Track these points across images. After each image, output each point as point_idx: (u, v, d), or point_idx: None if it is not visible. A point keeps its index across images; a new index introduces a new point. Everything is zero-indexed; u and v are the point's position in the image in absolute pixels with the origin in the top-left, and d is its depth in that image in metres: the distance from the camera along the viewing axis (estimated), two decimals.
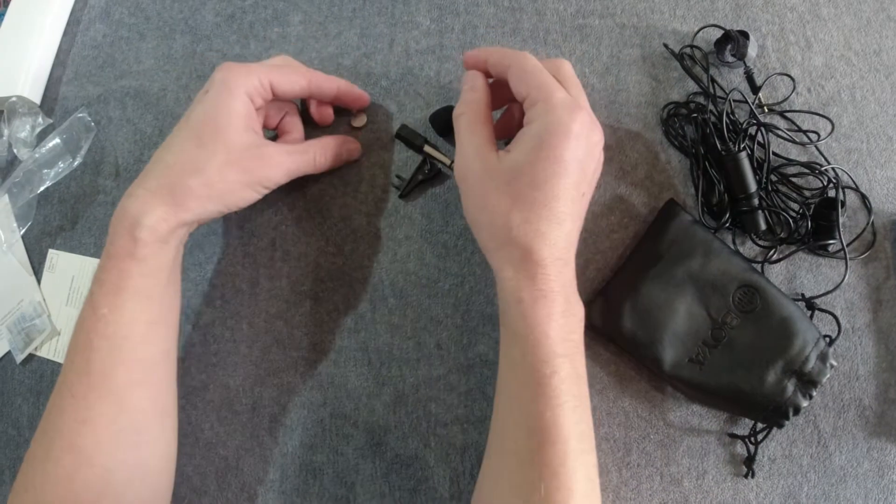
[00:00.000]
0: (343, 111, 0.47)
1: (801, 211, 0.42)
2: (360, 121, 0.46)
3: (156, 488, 0.37)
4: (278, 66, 0.40)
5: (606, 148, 0.45)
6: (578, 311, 0.34)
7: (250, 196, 0.39)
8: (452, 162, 0.43)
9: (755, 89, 0.45)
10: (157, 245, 0.36)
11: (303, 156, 0.41)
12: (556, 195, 0.32)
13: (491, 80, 0.39)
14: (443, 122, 0.45)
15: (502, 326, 0.35)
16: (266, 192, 0.40)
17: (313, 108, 0.46)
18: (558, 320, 0.32)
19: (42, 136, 0.51)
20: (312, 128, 0.46)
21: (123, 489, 0.34)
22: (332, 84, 0.42)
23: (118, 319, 0.35)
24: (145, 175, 0.37)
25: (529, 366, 0.31)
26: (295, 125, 0.45)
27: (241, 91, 0.37)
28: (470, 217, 0.35)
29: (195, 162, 0.36)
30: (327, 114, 0.46)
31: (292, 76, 0.40)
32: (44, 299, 0.47)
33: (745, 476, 0.40)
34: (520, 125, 0.39)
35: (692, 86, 0.46)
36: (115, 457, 0.34)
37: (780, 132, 0.44)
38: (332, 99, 0.44)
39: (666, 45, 0.47)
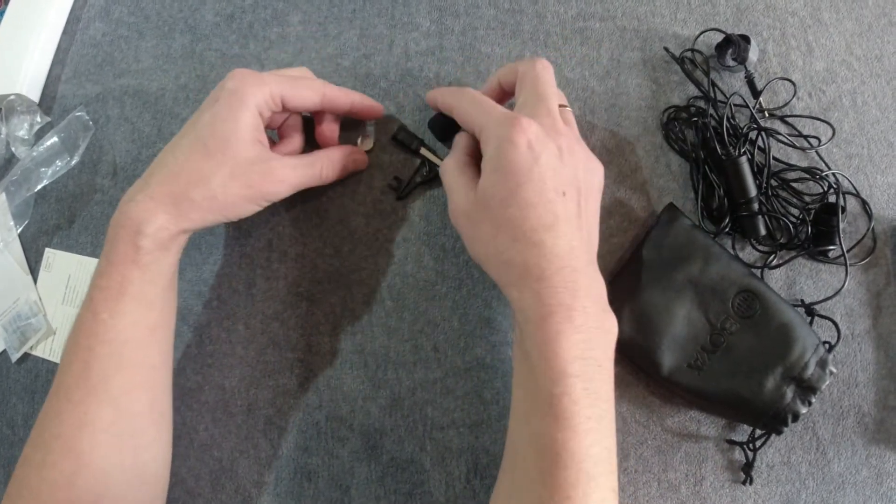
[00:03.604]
0: (349, 129, 0.46)
1: (801, 216, 0.42)
2: (366, 144, 0.46)
3: (153, 491, 0.37)
4: (292, 78, 0.39)
5: (606, 151, 0.45)
6: (605, 323, 0.32)
7: (252, 209, 0.38)
8: None
9: (756, 94, 0.45)
10: (159, 252, 0.35)
11: (309, 169, 0.40)
12: (529, 204, 0.32)
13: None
14: (440, 128, 0.44)
15: (515, 346, 0.35)
16: (268, 204, 0.39)
17: (321, 127, 0.44)
18: (571, 337, 0.30)
19: (40, 135, 0.51)
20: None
21: (122, 492, 0.34)
22: (346, 99, 0.41)
23: (118, 324, 0.34)
24: (147, 179, 0.36)
25: (539, 386, 0.30)
26: (296, 128, 0.44)
27: (251, 103, 0.36)
28: (475, 256, 0.35)
29: (200, 173, 0.35)
30: (332, 137, 0.44)
31: (305, 92, 0.39)
32: (40, 298, 0.47)
33: (743, 483, 0.39)
34: None
35: (693, 90, 0.46)
36: (114, 460, 0.34)
37: (780, 137, 0.44)
38: (344, 113, 0.43)
39: (667, 49, 0.47)
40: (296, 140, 0.44)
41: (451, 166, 0.37)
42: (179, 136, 0.37)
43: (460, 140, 0.38)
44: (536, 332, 0.31)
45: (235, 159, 0.36)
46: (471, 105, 0.36)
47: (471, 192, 0.35)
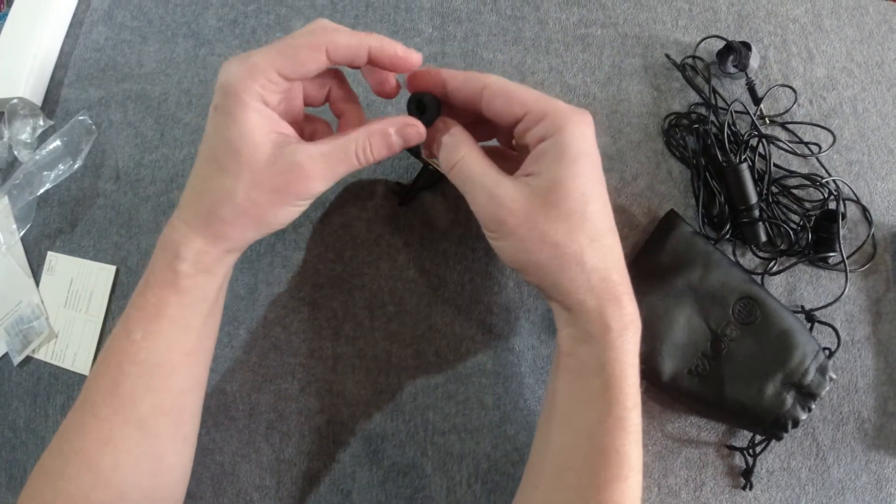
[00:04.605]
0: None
1: (801, 223, 0.42)
2: None
3: None
4: (288, 45, 0.31)
5: (607, 158, 0.45)
6: (640, 330, 0.32)
7: (292, 212, 0.34)
8: None
9: (757, 100, 0.45)
10: (201, 276, 0.33)
11: (341, 154, 0.33)
12: (604, 204, 0.31)
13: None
14: (435, 108, 0.35)
15: (571, 357, 0.32)
16: (308, 203, 0.34)
17: (368, 81, 0.36)
18: (637, 347, 0.30)
19: (43, 138, 0.51)
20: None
21: None
22: (360, 48, 0.32)
23: (152, 346, 0.33)
24: (182, 204, 0.34)
25: (612, 399, 0.29)
26: (348, 95, 0.37)
27: (248, 97, 0.31)
28: (525, 259, 0.31)
29: (221, 190, 0.32)
30: (385, 82, 0.35)
31: (303, 54, 0.31)
32: (42, 301, 0.47)
33: (743, 488, 0.40)
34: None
35: (694, 96, 0.46)
36: (133, 481, 0.33)
37: (781, 144, 0.44)
38: (367, 64, 0.33)
39: (668, 56, 0.47)
40: (353, 110, 0.37)
41: (480, 160, 0.32)
42: (198, 154, 0.34)
43: (460, 132, 0.33)
44: (617, 342, 0.30)
45: (252, 166, 0.31)
46: (521, 88, 0.31)
47: (512, 185, 0.30)
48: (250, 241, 0.35)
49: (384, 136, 0.33)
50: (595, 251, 0.30)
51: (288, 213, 0.33)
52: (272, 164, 0.31)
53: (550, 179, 0.30)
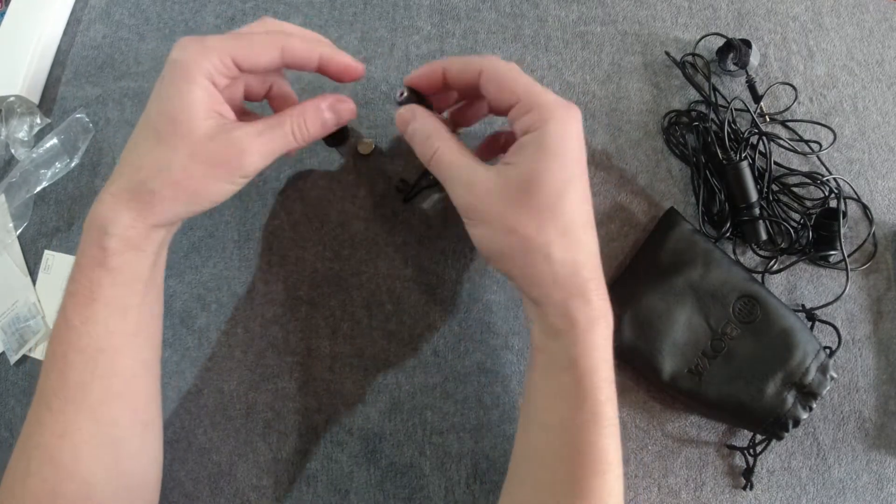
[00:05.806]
0: (348, 132, 0.45)
1: (802, 221, 0.42)
2: (366, 147, 0.45)
3: (140, 498, 0.36)
4: (244, 36, 0.33)
5: (607, 155, 0.45)
6: (612, 324, 0.32)
7: (226, 189, 0.34)
8: None
9: (757, 98, 0.45)
10: (131, 253, 0.33)
11: (277, 131, 0.34)
12: (581, 199, 0.31)
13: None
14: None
15: (542, 353, 0.32)
16: (246, 181, 0.34)
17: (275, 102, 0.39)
18: (609, 342, 0.30)
19: (40, 137, 0.50)
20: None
21: (107, 501, 0.33)
22: (311, 53, 0.34)
23: (91, 332, 0.32)
24: (112, 178, 0.33)
25: (584, 394, 0.29)
26: (287, 94, 0.39)
27: (198, 74, 0.31)
28: (495, 248, 0.31)
29: (158, 162, 0.32)
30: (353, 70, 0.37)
31: (259, 49, 0.33)
32: (39, 300, 0.47)
33: (744, 488, 0.39)
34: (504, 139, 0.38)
35: (694, 94, 0.46)
36: (97, 471, 0.33)
37: (781, 142, 0.44)
38: (314, 70, 0.35)
39: (668, 53, 0.47)
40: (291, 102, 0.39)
41: (455, 150, 0.33)
42: (136, 128, 0.34)
43: (433, 123, 0.34)
44: (585, 336, 0.30)
45: (191, 139, 0.31)
46: (516, 74, 0.32)
47: (486, 174, 0.31)
48: (180, 217, 0.34)
49: (317, 111, 0.35)
50: (565, 246, 0.30)
51: (223, 189, 0.33)
52: (210, 138, 0.32)
53: (527, 172, 0.30)
